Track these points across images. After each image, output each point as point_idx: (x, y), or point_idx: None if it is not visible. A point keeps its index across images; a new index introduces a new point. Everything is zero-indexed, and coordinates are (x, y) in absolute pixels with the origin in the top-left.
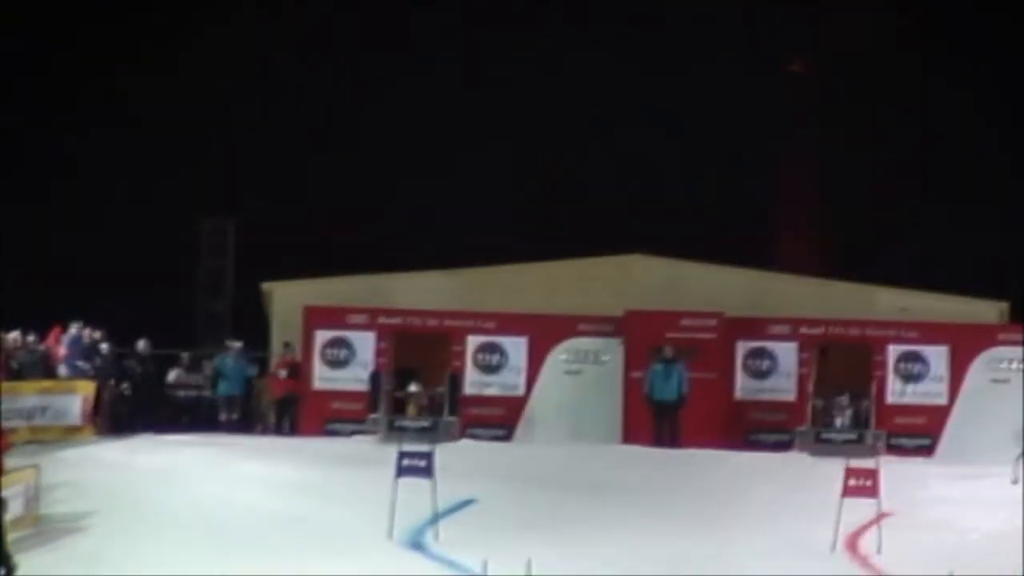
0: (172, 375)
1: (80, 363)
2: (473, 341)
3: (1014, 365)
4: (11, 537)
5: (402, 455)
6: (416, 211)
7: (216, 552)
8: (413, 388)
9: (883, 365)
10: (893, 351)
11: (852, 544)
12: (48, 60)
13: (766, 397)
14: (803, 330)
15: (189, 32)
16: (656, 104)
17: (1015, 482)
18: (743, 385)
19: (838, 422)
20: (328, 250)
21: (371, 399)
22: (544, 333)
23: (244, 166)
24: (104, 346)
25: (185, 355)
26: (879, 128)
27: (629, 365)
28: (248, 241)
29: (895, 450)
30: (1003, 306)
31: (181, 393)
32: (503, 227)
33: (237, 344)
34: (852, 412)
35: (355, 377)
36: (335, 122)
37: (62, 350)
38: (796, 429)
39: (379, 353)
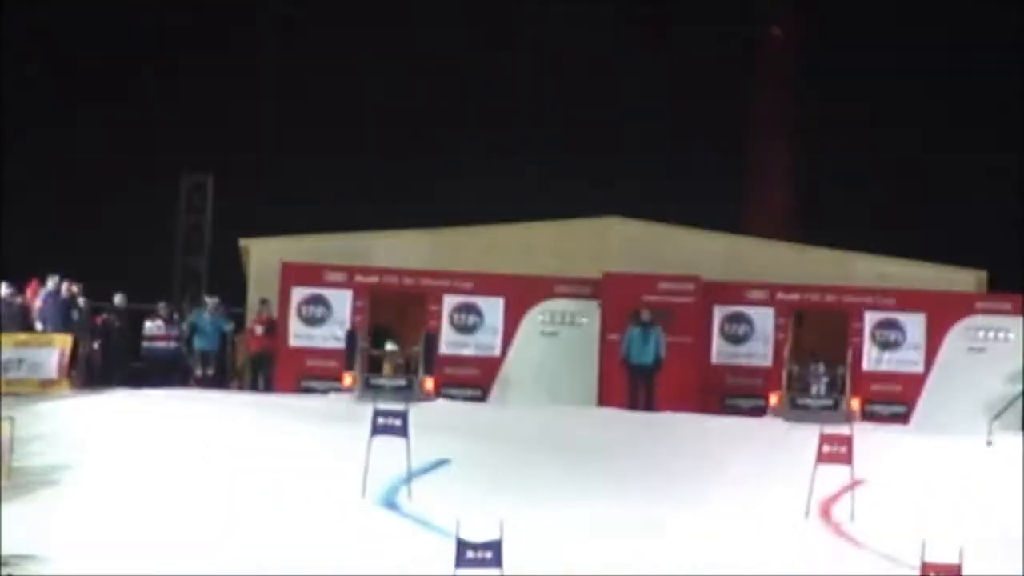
0: (148, 326)
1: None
2: (449, 301)
3: (991, 334)
4: None
5: (377, 413)
6: (394, 170)
7: (188, 508)
8: (389, 347)
9: (860, 332)
10: (870, 318)
11: (826, 511)
12: (34, 14)
13: (742, 362)
14: (780, 295)
15: None
16: (633, 66)
17: (989, 444)
18: (719, 350)
19: (814, 388)
20: (306, 208)
21: (347, 357)
22: (521, 294)
23: (223, 122)
24: (81, 300)
25: (162, 305)
26: (857, 92)
27: (606, 328)
28: (226, 197)
29: (870, 417)
30: (981, 275)
31: (157, 345)
32: (481, 187)
33: (213, 300)
34: (828, 379)
35: (331, 335)
36: (315, 79)
37: (38, 303)
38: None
39: (355, 311)
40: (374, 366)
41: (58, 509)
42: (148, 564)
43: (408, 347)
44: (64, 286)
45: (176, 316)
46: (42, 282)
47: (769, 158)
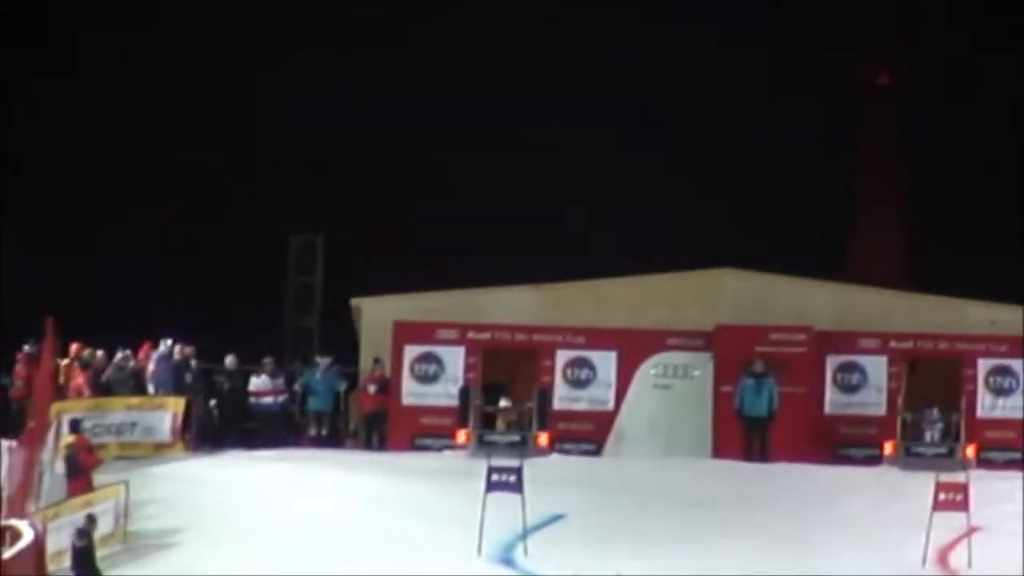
0: (254, 382)
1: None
2: (562, 356)
3: None
4: (101, 553)
5: (491, 470)
6: (504, 226)
7: (306, 567)
8: (503, 403)
9: (973, 379)
10: (983, 364)
11: (943, 559)
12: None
13: (856, 411)
14: (892, 344)
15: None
16: (741, 116)
17: None
18: (833, 399)
19: (928, 436)
20: (416, 265)
21: (460, 414)
22: (633, 347)
23: (331, 181)
24: (194, 362)
25: (267, 361)
26: (963, 138)
27: (719, 379)
28: (336, 257)
29: (986, 464)
30: None
31: (264, 401)
32: (591, 242)
33: (326, 360)
34: (942, 426)
35: (445, 392)
36: (421, 139)
37: (151, 366)
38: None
39: (468, 368)
40: (488, 423)
41: (174, 573)
42: None
43: (521, 403)
44: (177, 349)
45: (281, 371)
46: (155, 345)
47: (877, 207)
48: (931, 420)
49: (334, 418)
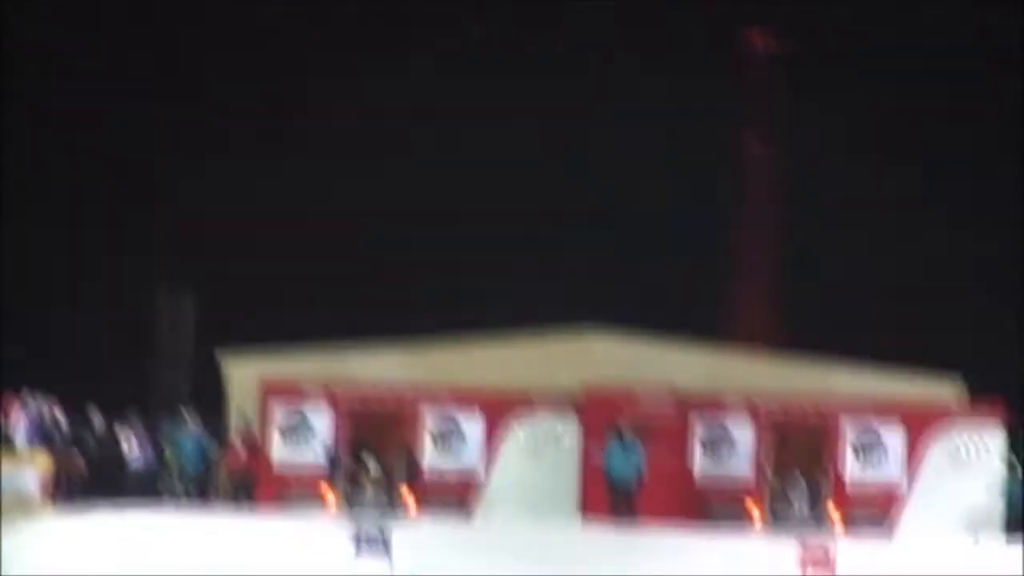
0: (123, 443)
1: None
2: (430, 418)
3: (972, 446)
4: None
5: (360, 533)
6: (370, 283)
7: None
8: (370, 464)
9: (840, 445)
10: (850, 429)
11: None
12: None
13: (724, 476)
14: (760, 409)
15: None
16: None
17: (976, 543)
18: (701, 464)
19: (796, 503)
20: (285, 320)
21: (329, 476)
22: (501, 410)
23: (201, 238)
24: (61, 419)
25: (137, 422)
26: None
27: (587, 444)
28: (206, 313)
29: (852, 530)
30: (959, 385)
31: (135, 461)
32: (456, 301)
33: (195, 421)
34: (809, 491)
35: (312, 453)
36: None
37: (22, 424)
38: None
39: (336, 429)
40: (356, 484)
41: None
42: None
43: (390, 465)
44: (45, 409)
45: (150, 431)
46: (19, 398)
47: (749, 271)
48: (798, 486)
49: (203, 480)
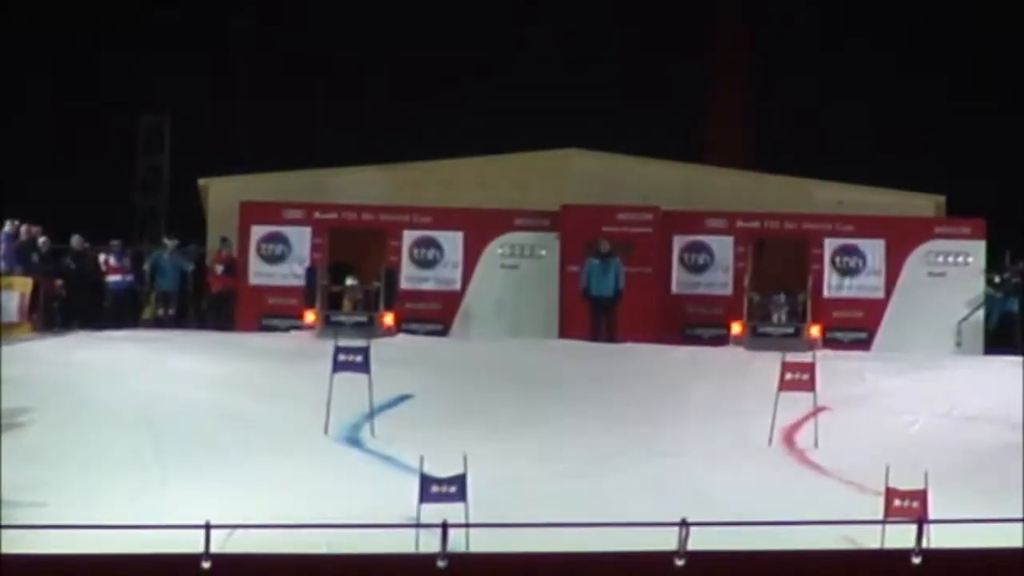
0: (101, 259)
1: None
2: (409, 236)
3: (951, 259)
4: None
5: (338, 350)
6: (352, 105)
7: (153, 448)
8: (349, 283)
9: (820, 259)
10: (829, 245)
11: (789, 438)
12: None
13: (703, 292)
14: (739, 224)
15: None
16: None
17: (958, 345)
18: (680, 280)
19: (775, 317)
20: (265, 146)
21: (307, 294)
22: (480, 227)
23: (180, 62)
24: (42, 241)
25: (116, 243)
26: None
27: (565, 260)
28: (184, 137)
29: (832, 344)
30: (939, 199)
31: (112, 279)
32: (438, 122)
33: (173, 241)
34: (788, 307)
35: (291, 273)
36: (271, 17)
37: (1, 247)
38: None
39: (315, 248)
40: (334, 303)
41: (21, 453)
42: (108, 507)
43: (368, 283)
44: (24, 228)
45: (128, 251)
46: (0, 224)
47: (727, 91)
48: (778, 301)
49: (181, 299)
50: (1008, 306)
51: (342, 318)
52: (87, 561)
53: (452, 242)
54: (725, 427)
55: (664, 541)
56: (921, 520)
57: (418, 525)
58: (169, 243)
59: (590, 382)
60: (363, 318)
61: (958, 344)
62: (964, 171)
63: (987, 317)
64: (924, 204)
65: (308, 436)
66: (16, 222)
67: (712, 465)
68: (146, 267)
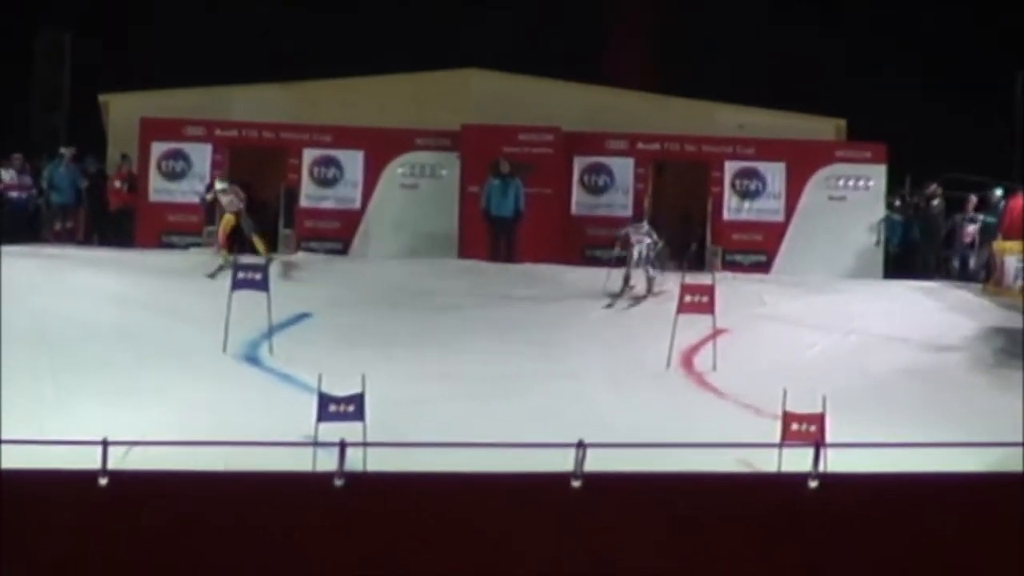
0: (4, 175)
1: None
2: (309, 154)
3: (851, 183)
4: None
5: (237, 267)
6: (253, 22)
7: (49, 365)
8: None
9: (720, 182)
10: (730, 168)
11: (687, 361)
12: None
13: (603, 213)
14: (640, 146)
15: None
16: None
17: (877, 244)
18: (580, 201)
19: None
20: (164, 62)
21: (206, 212)
22: (380, 146)
23: None
24: None
25: (16, 157)
26: None
27: (465, 180)
28: (84, 54)
29: (731, 267)
30: (840, 123)
31: (11, 195)
32: (339, 40)
33: (69, 150)
34: (688, 230)
35: (191, 190)
36: None
37: None
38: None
39: (215, 165)
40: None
41: None
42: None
43: (269, 201)
44: None
45: (29, 168)
46: None
47: (629, 12)
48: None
49: (78, 214)
50: (910, 233)
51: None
52: None
53: (352, 161)
54: (623, 350)
55: (561, 463)
56: (818, 444)
57: (316, 443)
58: (66, 152)
59: (489, 303)
60: (263, 236)
61: (877, 243)
62: (865, 94)
63: (887, 241)
64: (825, 128)
65: (206, 354)
66: None
67: (610, 388)
68: (43, 182)
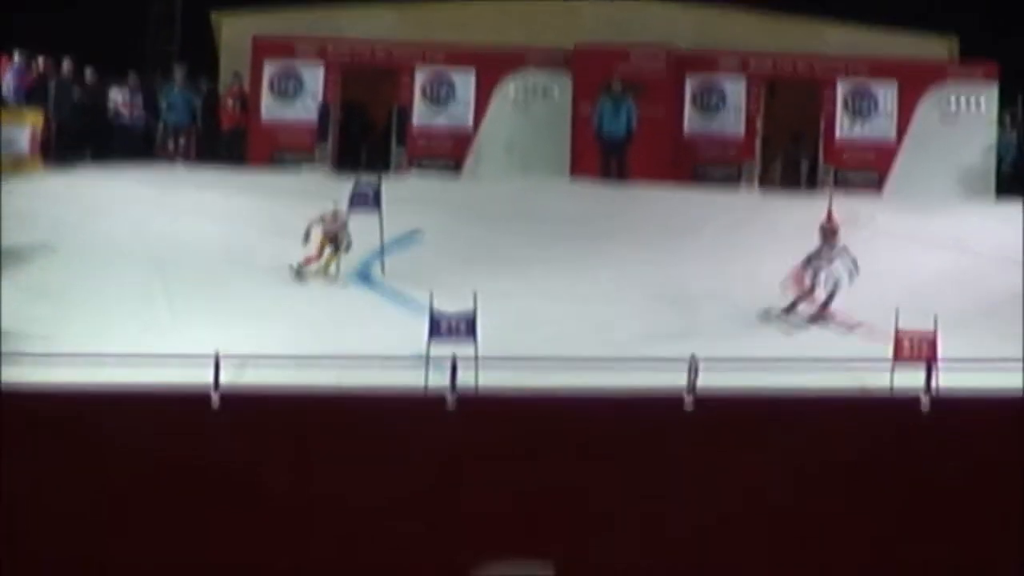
0: (113, 97)
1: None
2: (421, 74)
3: (963, 103)
4: None
5: (355, 184)
6: None
7: (162, 284)
8: (362, 122)
9: (832, 100)
10: (842, 87)
11: (799, 280)
12: None
13: (715, 133)
14: (752, 65)
15: None
16: None
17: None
18: (691, 121)
19: (788, 161)
20: None
21: (319, 131)
22: (493, 66)
23: None
24: (52, 77)
25: (132, 76)
26: None
27: (577, 100)
28: None
29: (843, 185)
30: (952, 41)
31: (123, 117)
32: None
33: (182, 70)
34: (800, 150)
35: (304, 109)
36: None
37: (9, 80)
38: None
39: (327, 85)
40: (347, 140)
41: (31, 288)
42: (115, 342)
43: (381, 122)
44: (35, 65)
45: (142, 87)
46: (10, 57)
47: None
48: (790, 144)
49: (191, 133)
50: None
51: (354, 157)
52: (93, 393)
53: (465, 80)
54: (735, 270)
55: (672, 381)
56: (930, 362)
57: (427, 360)
58: (178, 73)
59: (601, 222)
60: (375, 157)
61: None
62: (977, 11)
63: (999, 161)
64: (937, 46)
65: (319, 273)
66: (26, 52)
67: (721, 307)
68: (161, 102)
